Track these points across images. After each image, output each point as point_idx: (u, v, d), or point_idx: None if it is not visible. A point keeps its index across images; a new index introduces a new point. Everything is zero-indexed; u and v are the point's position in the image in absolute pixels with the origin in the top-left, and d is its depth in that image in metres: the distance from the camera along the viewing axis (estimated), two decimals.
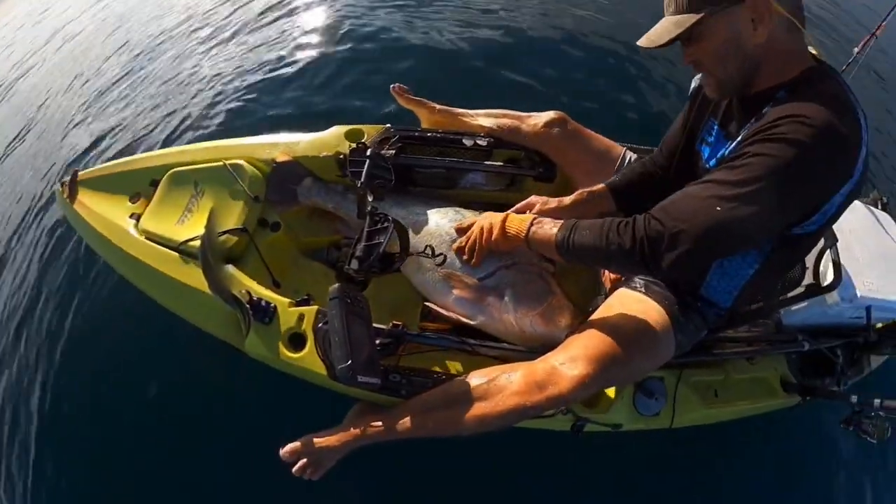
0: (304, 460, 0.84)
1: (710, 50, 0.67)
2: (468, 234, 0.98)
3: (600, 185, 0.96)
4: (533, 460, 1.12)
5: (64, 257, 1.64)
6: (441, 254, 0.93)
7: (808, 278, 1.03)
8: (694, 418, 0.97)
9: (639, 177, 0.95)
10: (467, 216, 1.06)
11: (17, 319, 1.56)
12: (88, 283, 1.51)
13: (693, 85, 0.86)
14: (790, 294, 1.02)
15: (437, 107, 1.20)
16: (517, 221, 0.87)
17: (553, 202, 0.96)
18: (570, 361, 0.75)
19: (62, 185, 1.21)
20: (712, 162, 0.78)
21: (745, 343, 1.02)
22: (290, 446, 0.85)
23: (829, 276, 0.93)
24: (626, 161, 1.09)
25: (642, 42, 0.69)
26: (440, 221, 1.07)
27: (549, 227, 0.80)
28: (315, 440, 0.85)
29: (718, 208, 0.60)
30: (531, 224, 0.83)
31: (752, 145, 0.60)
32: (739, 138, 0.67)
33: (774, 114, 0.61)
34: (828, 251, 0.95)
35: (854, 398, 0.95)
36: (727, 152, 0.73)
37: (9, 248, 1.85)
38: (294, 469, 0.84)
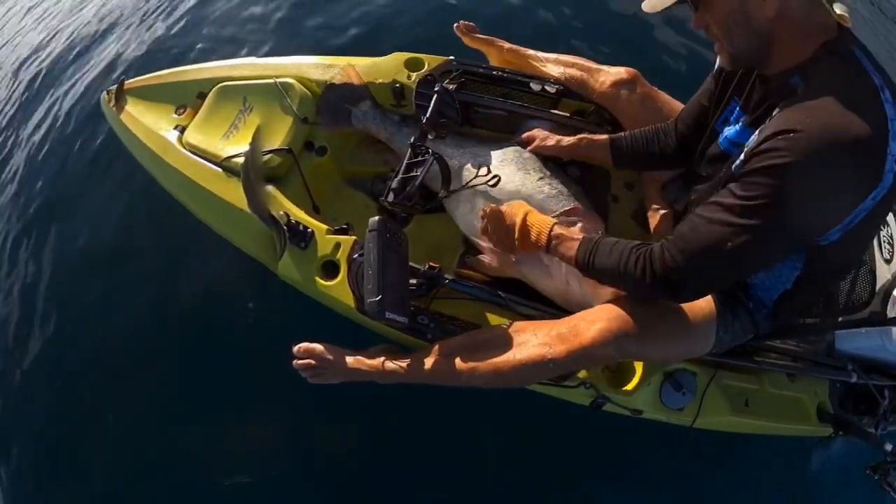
0: (313, 363, 0.91)
1: (717, 18, 0.65)
2: (491, 222, 0.91)
3: (603, 136, 1.02)
4: (543, 436, 1.15)
5: (94, 162, 1.71)
6: (496, 175, 0.94)
7: (876, 305, 0.99)
8: (717, 423, 0.97)
9: (645, 141, 0.97)
10: (527, 158, 1.07)
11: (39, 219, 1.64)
12: (126, 192, 1.57)
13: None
14: (850, 317, 0.99)
15: (507, 46, 1.17)
16: (538, 225, 0.84)
17: (552, 139, 1.05)
18: (596, 317, 0.77)
19: (108, 92, 1.25)
20: (725, 143, 0.78)
21: (790, 358, 1.00)
22: (307, 345, 0.93)
23: None
24: None
25: (645, 6, 0.70)
26: (504, 157, 1.07)
27: (571, 243, 0.80)
28: (333, 353, 0.92)
29: (729, 244, 0.61)
30: (551, 231, 0.82)
31: (753, 166, 0.59)
32: (752, 140, 0.64)
33: (773, 125, 0.59)
34: None
35: (889, 447, 0.93)
36: (743, 142, 0.71)
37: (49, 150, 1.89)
38: (297, 363, 0.92)
